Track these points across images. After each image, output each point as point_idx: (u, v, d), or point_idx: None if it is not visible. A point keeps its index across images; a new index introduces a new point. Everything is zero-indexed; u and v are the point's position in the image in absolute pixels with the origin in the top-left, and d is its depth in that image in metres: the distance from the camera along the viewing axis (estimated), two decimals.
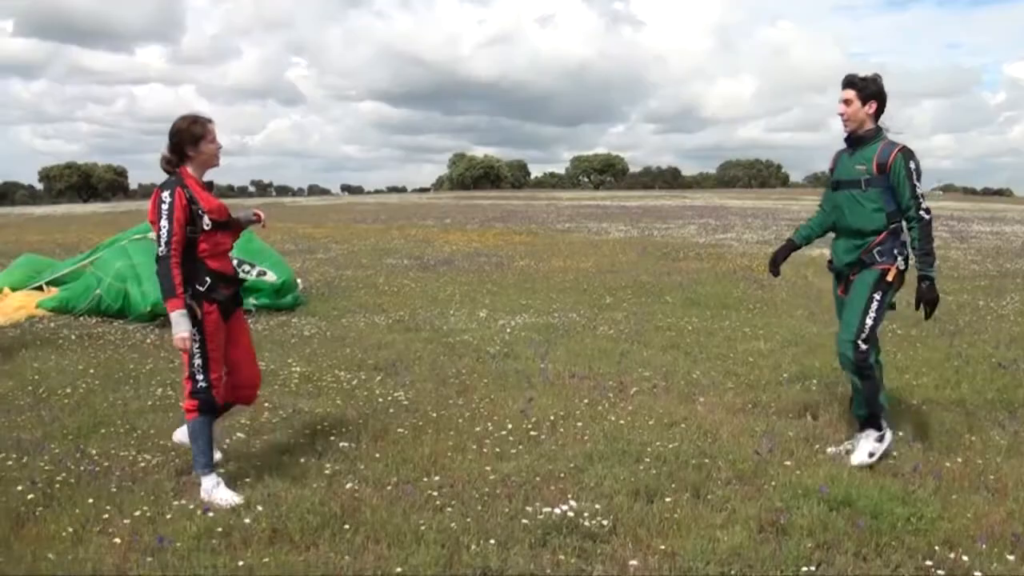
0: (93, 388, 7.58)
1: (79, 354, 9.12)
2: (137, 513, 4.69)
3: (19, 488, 5.08)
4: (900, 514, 4.56)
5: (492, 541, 4.29)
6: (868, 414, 5.58)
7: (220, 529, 4.45)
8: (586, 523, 4.45)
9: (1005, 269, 17.36)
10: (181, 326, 4.84)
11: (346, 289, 14.41)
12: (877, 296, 5.47)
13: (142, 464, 5.56)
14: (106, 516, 4.70)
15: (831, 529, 4.43)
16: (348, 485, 5.10)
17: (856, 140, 5.54)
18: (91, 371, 8.24)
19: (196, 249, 4.93)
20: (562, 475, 5.24)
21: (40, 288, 12.39)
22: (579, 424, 6.30)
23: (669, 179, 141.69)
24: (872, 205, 5.45)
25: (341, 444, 5.86)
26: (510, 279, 15.70)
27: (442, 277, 16.10)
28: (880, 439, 5.53)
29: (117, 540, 4.38)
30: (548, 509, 4.60)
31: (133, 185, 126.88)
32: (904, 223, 5.51)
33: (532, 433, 6.09)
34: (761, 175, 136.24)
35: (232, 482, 5.13)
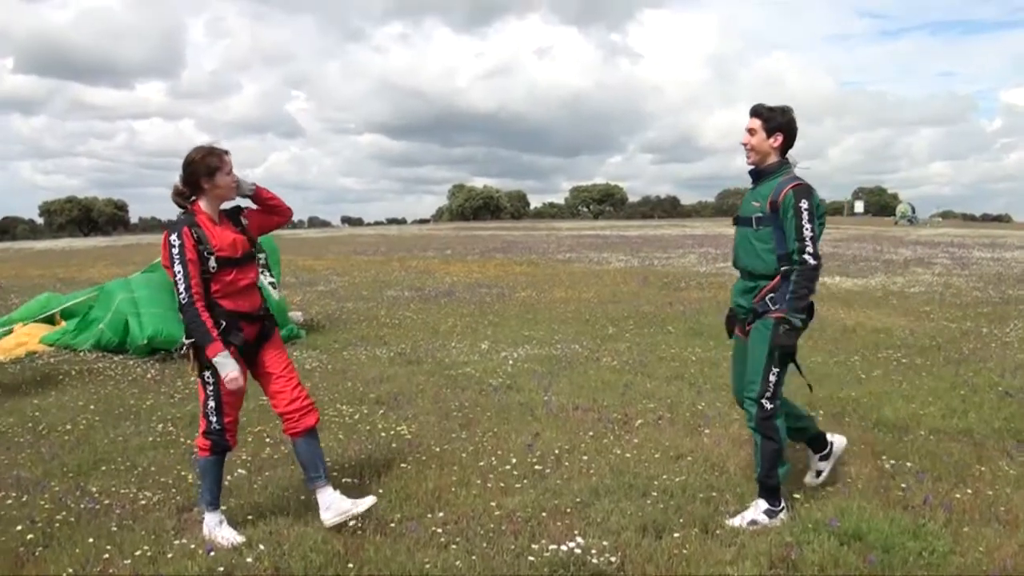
0: (93, 424, 7.53)
1: (79, 390, 9.07)
2: (138, 553, 4.62)
3: (18, 528, 5.02)
4: (912, 548, 4.49)
5: None
6: (766, 478, 5.08)
7: (222, 569, 4.38)
8: (594, 560, 4.38)
9: (1007, 296, 17.32)
10: (227, 367, 4.69)
11: (347, 322, 14.37)
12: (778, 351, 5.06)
13: (143, 502, 5.50)
14: (107, 556, 4.63)
15: (843, 565, 4.36)
16: (351, 522, 5.02)
17: (758, 174, 5.15)
18: (91, 407, 8.19)
19: (208, 291, 4.76)
20: (568, 510, 5.18)
21: (52, 319, 12.38)
22: (584, 458, 6.24)
23: (668, 208, 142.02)
24: (763, 246, 5.04)
25: (344, 480, 5.79)
26: (512, 310, 15.65)
27: (443, 309, 16.05)
28: (770, 514, 5.02)
29: None
30: (555, 546, 4.52)
31: (133, 219, 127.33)
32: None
33: (537, 467, 6.03)
34: None
35: (233, 520, 5.06)
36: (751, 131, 5.10)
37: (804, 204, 4.88)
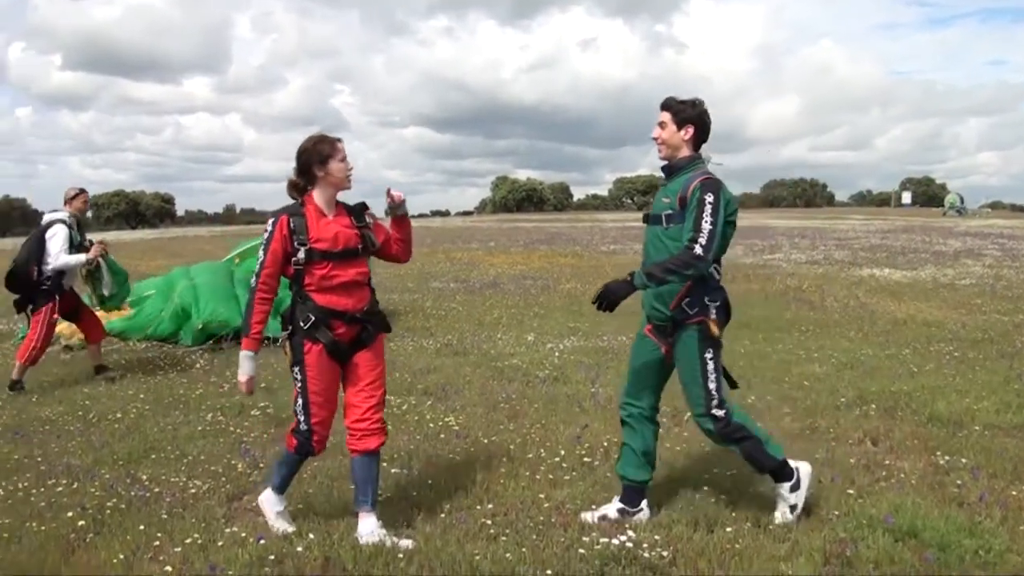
0: (143, 413, 7.60)
1: (129, 379, 9.17)
2: (188, 540, 4.65)
3: (69, 514, 5.08)
4: (968, 546, 4.42)
5: (549, 572, 4.20)
6: (766, 470, 4.92)
7: (272, 557, 4.39)
8: (645, 554, 4.34)
9: None
10: (242, 368, 4.69)
11: (393, 313, 14.35)
12: (708, 356, 4.84)
13: (192, 490, 5.54)
14: (157, 543, 4.67)
15: (898, 562, 4.29)
16: (400, 512, 5.04)
17: (670, 170, 4.92)
18: (141, 396, 8.27)
19: (301, 283, 4.65)
20: None
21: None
22: None
23: None
24: (674, 244, 4.74)
25: (392, 470, 5.80)
26: (557, 302, 15.60)
27: (488, 300, 16.02)
28: (794, 487, 4.89)
29: (168, 568, 4.35)
30: (605, 539, 4.49)
31: (180, 212, 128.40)
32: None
33: (585, 459, 6.00)
34: (806, 194, 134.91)
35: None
36: (661, 124, 4.89)
37: (709, 197, 4.65)
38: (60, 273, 8.78)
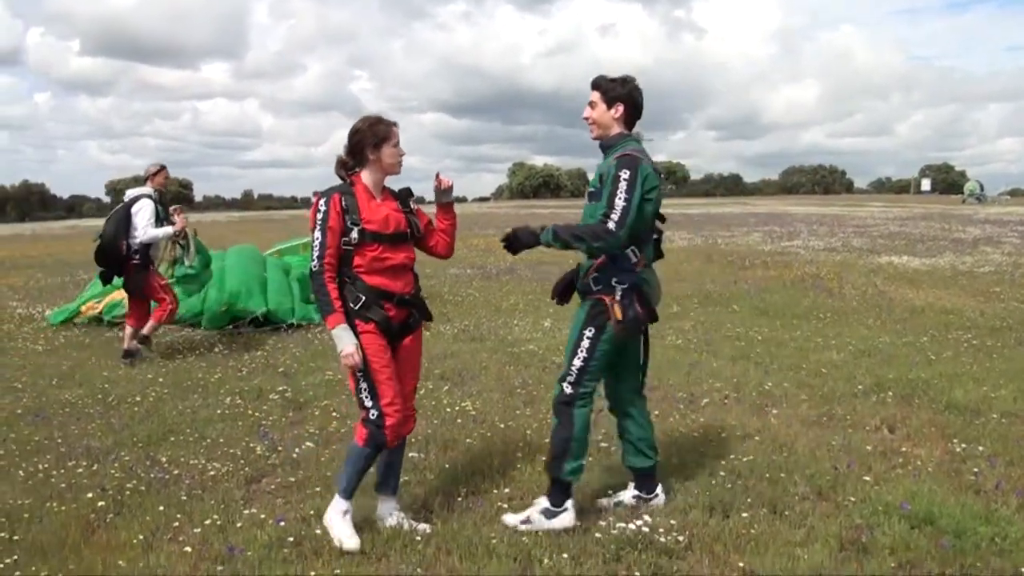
0: (162, 396, 7.66)
1: (148, 363, 9.23)
2: (207, 522, 4.70)
3: (89, 495, 5.14)
4: (984, 534, 4.41)
5: (565, 555, 4.23)
6: (551, 470, 4.76)
7: (291, 539, 4.44)
8: (661, 539, 4.36)
9: None
10: (343, 340, 4.41)
11: None
12: (588, 333, 4.73)
13: (211, 472, 5.58)
14: (176, 524, 4.72)
15: (914, 548, 4.29)
16: (417, 496, 5.08)
17: (604, 149, 4.86)
18: (160, 380, 8.32)
19: (350, 264, 4.51)
20: None
21: None
22: None
23: (730, 186, 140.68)
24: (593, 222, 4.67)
25: (410, 454, 5.79)
26: None
27: (505, 286, 16.02)
28: (548, 514, 4.65)
29: (188, 549, 4.40)
30: (622, 524, 4.51)
31: (198, 197, 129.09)
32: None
33: (602, 445, 6.00)
34: (824, 181, 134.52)
35: (301, 491, 5.11)
36: (591, 104, 4.83)
37: (624, 174, 4.55)
38: (147, 246, 9.15)
